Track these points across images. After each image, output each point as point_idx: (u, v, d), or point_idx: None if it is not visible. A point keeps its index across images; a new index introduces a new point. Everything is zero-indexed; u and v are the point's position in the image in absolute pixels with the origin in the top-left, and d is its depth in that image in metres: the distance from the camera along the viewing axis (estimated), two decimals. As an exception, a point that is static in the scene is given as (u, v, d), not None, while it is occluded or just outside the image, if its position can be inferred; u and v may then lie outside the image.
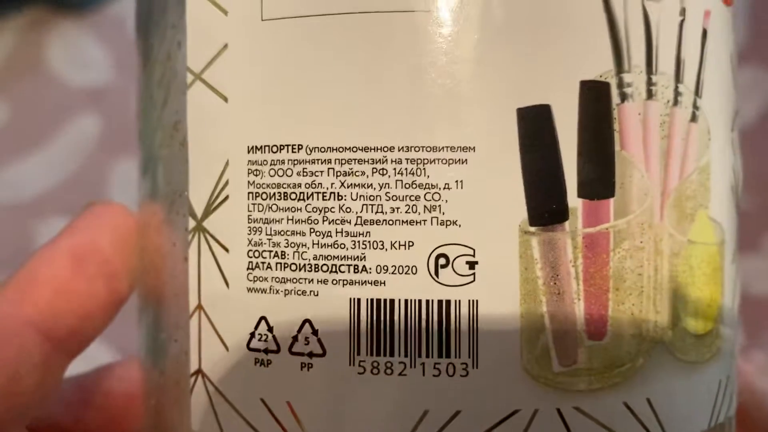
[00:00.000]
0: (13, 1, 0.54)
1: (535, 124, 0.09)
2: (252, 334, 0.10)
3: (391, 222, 0.09)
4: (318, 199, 0.09)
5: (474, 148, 0.09)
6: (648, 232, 0.09)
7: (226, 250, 0.10)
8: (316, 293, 0.09)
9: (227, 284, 0.10)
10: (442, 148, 0.09)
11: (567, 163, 0.09)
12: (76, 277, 0.12)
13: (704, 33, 0.10)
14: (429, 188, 0.09)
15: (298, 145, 0.09)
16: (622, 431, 0.09)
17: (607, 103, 0.09)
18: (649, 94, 0.09)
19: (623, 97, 0.09)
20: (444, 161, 0.09)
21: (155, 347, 0.11)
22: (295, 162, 0.09)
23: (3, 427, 0.11)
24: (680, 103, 0.10)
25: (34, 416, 0.12)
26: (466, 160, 0.09)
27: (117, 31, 0.57)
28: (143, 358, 0.11)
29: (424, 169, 0.09)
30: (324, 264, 0.09)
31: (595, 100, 0.09)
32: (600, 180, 0.09)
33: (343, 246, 0.09)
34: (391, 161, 0.09)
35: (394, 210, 0.09)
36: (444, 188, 0.09)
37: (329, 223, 0.09)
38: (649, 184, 0.09)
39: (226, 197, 0.10)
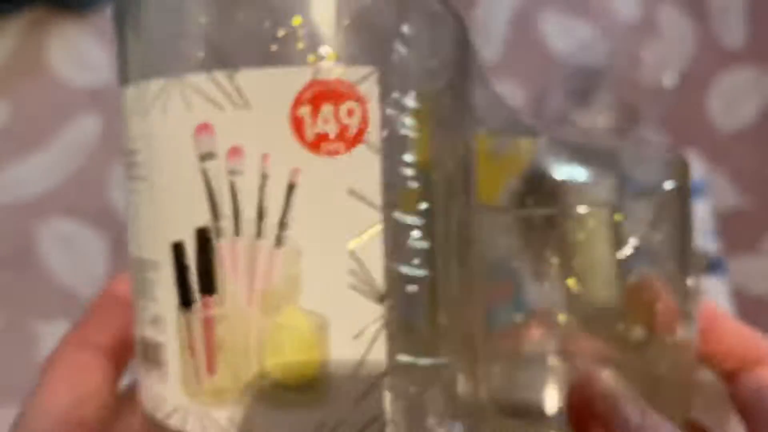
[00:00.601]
0: (14, 1, 0.54)
1: (176, 253, 0.16)
2: None
3: None
4: None
5: (158, 262, 0.16)
6: (240, 317, 0.16)
7: None
8: None
9: None
10: (146, 259, 0.17)
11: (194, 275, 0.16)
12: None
13: (292, 186, 0.15)
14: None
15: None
16: None
17: (210, 241, 0.16)
18: (236, 232, 0.15)
19: (218, 235, 0.16)
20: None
21: None
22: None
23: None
24: (264, 237, 0.15)
25: None
26: (156, 269, 0.17)
27: (118, 32, 0.57)
28: None
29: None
30: None
31: (203, 239, 0.16)
32: (209, 283, 0.16)
33: None
34: None
35: None
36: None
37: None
38: (239, 286, 0.16)
39: None
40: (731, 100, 0.59)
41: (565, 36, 0.60)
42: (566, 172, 0.22)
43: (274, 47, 0.15)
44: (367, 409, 0.15)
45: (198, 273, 0.16)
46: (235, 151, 0.15)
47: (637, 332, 0.21)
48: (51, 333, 0.51)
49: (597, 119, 0.53)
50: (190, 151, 0.15)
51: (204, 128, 0.15)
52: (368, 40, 0.15)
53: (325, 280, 0.15)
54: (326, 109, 0.15)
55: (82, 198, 0.54)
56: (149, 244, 0.17)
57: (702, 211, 0.53)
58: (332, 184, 0.15)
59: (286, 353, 0.15)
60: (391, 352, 0.16)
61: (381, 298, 0.15)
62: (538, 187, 0.22)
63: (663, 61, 0.57)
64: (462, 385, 0.18)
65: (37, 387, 0.19)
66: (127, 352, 0.20)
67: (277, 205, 0.15)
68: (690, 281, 0.21)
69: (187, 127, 0.16)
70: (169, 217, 0.16)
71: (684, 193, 0.21)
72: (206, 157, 0.15)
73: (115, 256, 0.53)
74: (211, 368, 0.16)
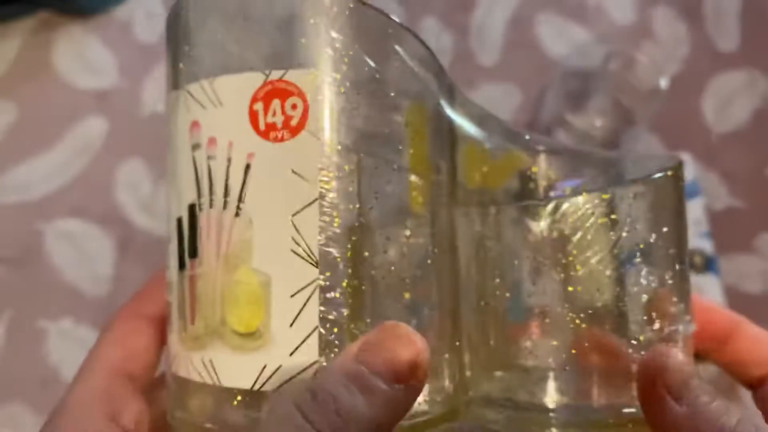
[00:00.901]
0: (21, 4, 0.54)
1: (179, 227, 0.20)
2: None
3: None
4: None
5: (171, 235, 0.20)
6: (210, 275, 0.19)
7: None
8: None
9: None
10: (168, 235, 0.21)
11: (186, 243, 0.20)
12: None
13: (248, 166, 0.18)
14: None
15: None
16: (197, 378, 0.19)
17: (195, 215, 0.19)
18: (210, 206, 0.19)
19: (200, 210, 0.19)
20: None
21: None
22: None
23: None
24: (227, 209, 0.18)
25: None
26: (170, 242, 0.20)
27: (123, 35, 0.58)
28: None
29: None
30: None
31: (191, 214, 0.19)
32: (193, 249, 0.19)
33: None
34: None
35: None
36: None
37: None
38: (210, 249, 0.19)
39: None
40: (725, 102, 0.60)
41: (561, 39, 0.60)
42: (562, 171, 0.23)
43: (242, 58, 0.19)
44: (301, 357, 0.17)
45: (188, 241, 0.19)
46: (211, 141, 0.19)
47: (635, 327, 0.21)
48: (57, 331, 0.51)
49: (593, 121, 0.54)
50: (187, 144, 0.19)
51: (195, 125, 0.19)
52: (312, 49, 0.18)
53: (270, 245, 0.18)
54: (275, 103, 0.18)
55: (88, 198, 0.54)
56: (169, 221, 0.20)
57: (696, 211, 0.53)
58: (279, 165, 0.18)
59: (239, 305, 0.18)
60: (325, 312, 0.17)
61: (316, 263, 0.18)
62: (535, 187, 0.22)
63: (658, 64, 0.57)
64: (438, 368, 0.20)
65: (93, 347, 0.21)
66: None
67: (237, 183, 0.18)
68: (687, 273, 0.22)
69: (186, 125, 0.19)
70: (176, 197, 0.20)
71: (677, 182, 0.22)
72: (195, 147, 0.19)
73: (121, 255, 0.53)
74: (192, 319, 0.19)
